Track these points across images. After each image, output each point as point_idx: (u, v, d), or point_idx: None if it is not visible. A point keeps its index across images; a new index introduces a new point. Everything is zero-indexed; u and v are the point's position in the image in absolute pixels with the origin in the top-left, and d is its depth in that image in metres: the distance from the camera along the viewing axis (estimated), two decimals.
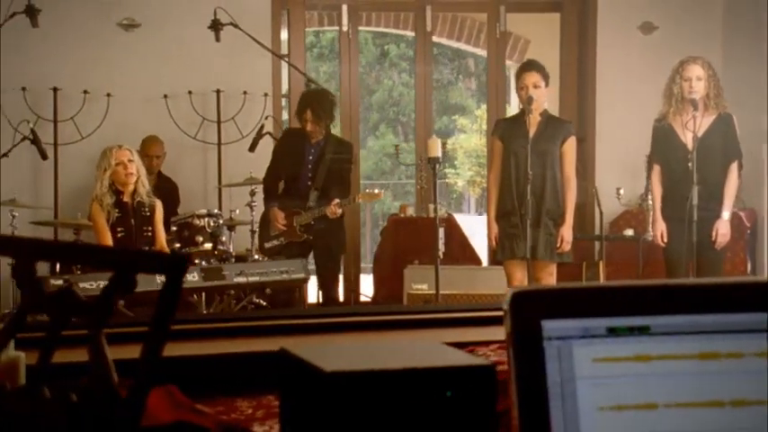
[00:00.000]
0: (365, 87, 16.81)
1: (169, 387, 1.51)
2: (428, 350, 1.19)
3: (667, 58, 6.02)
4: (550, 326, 1.21)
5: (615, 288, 1.40)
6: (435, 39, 10.57)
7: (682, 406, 1.25)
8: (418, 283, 6.43)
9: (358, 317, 1.85)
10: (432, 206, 7.98)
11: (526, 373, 1.19)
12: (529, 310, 1.19)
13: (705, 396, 1.26)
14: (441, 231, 6.14)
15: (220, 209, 7.18)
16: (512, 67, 9.44)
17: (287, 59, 7.50)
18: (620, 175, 7.77)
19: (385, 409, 1.02)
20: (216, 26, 6.61)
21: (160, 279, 3.41)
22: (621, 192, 7.51)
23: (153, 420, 1.39)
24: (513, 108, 8.90)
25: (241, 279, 5.12)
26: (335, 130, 7.27)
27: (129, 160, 5.49)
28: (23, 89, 6.95)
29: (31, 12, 6.27)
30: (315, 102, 6.03)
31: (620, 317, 1.24)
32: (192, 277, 4.90)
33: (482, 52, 10.56)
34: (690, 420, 1.25)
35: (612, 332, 1.25)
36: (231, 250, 6.56)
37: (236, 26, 6.64)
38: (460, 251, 7.31)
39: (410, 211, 7.87)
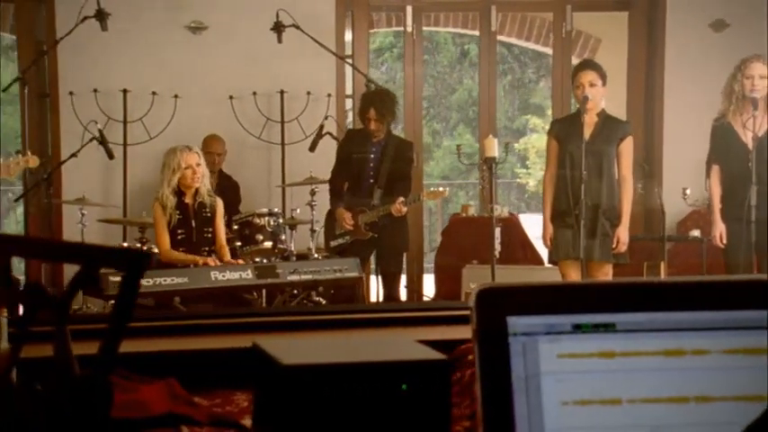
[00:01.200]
0: (447, 87, 16.82)
1: (170, 380, 1.57)
2: (393, 346, 1.23)
3: (738, 57, 5.91)
4: (516, 322, 1.25)
5: (581, 286, 1.42)
6: (505, 39, 10.56)
7: (646, 401, 1.28)
8: (475, 282, 6.44)
9: (324, 315, 1.89)
10: (494, 205, 8.00)
11: (491, 369, 1.23)
12: (495, 307, 1.23)
13: (670, 392, 1.28)
14: (497, 231, 6.13)
15: (283, 208, 7.30)
16: None
17: (348, 60, 7.57)
18: (687, 174, 7.66)
19: (341, 401, 1.06)
20: (278, 28, 6.72)
21: (244, 274, 3.52)
22: (688, 192, 7.41)
23: (147, 411, 1.46)
24: None
25: (294, 277, 5.20)
26: (398, 129, 7.32)
27: (198, 164, 5.60)
28: (95, 91, 7.15)
29: (101, 16, 6.45)
30: (378, 100, 6.10)
31: (585, 314, 1.27)
32: (246, 275, 5.00)
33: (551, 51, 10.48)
34: (654, 415, 1.27)
35: (578, 329, 1.28)
36: (292, 249, 6.67)
37: (297, 28, 6.73)
38: (521, 251, 7.30)
39: (472, 211, 7.88)
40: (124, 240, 6.58)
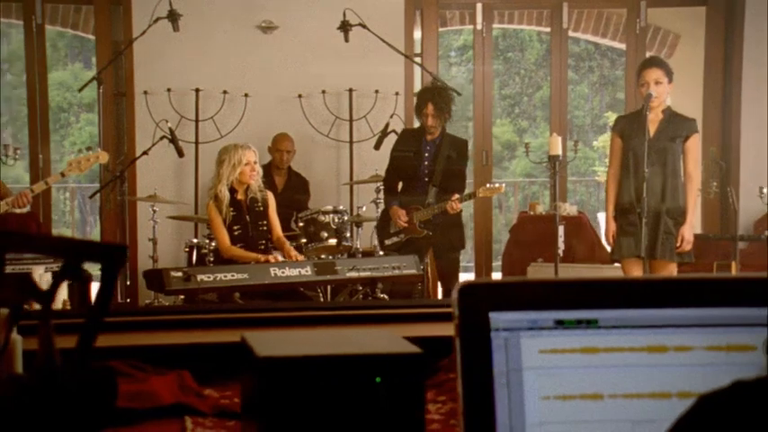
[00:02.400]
0: (533, 84, 16.74)
1: (181, 372, 1.62)
2: (372, 339, 1.26)
3: None
4: (498, 318, 1.27)
5: (564, 282, 1.44)
6: (580, 35, 10.44)
7: (628, 397, 1.29)
8: None
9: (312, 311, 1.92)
10: (563, 204, 7.96)
11: (473, 363, 1.25)
12: (477, 303, 1.25)
13: (651, 387, 1.29)
14: (561, 229, 6.09)
15: (351, 205, 7.37)
16: None
17: (414, 59, 7.59)
18: (765, 173, 7.50)
19: (315, 393, 1.09)
20: (345, 27, 6.78)
21: (304, 270, 3.59)
22: (765, 191, 7.26)
23: (153, 402, 1.51)
24: None
25: (353, 274, 5.25)
26: (466, 127, 7.32)
27: (255, 161, 5.69)
28: (168, 90, 7.32)
29: (173, 17, 6.59)
30: (436, 96, 6.11)
31: (568, 310, 1.29)
32: (306, 271, 5.07)
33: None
34: (635, 410, 1.28)
35: (560, 324, 1.29)
36: (359, 246, 6.73)
37: (364, 27, 6.78)
38: (590, 250, 7.24)
39: (540, 209, 7.84)
40: (195, 237, 6.71)
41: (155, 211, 6.47)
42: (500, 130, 16.52)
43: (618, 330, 1.33)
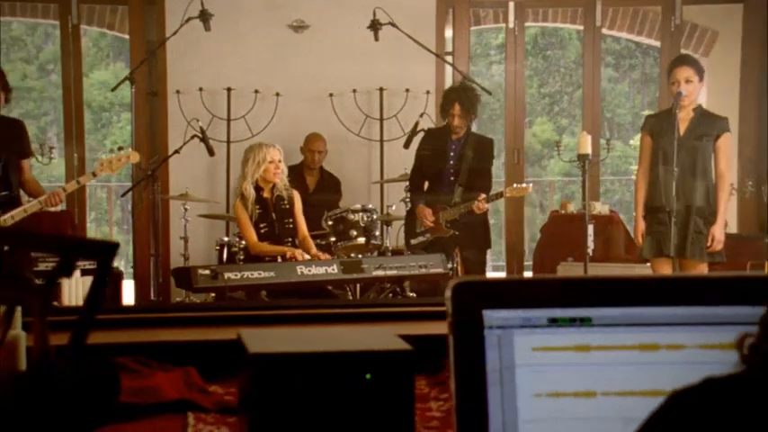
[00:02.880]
0: (574, 83, 16.64)
1: (188, 369, 1.65)
2: (364, 337, 1.27)
3: None
4: (491, 315, 1.28)
5: (557, 280, 1.45)
6: (615, 33, 10.36)
7: (620, 394, 1.30)
8: None
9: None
10: (594, 203, 7.92)
11: (466, 360, 1.26)
12: (470, 300, 1.26)
13: (644, 385, 1.29)
14: (591, 228, 6.06)
15: (381, 205, 7.38)
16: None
17: (444, 57, 7.59)
18: None
19: (306, 389, 1.11)
20: (375, 26, 6.79)
21: (330, 269, 3.64)
22: None
23: (157, 397, 1.54)
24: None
25: (379, 272, 5.26)
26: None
27: (279, 160, 5.73)
28: (200, 90, 7.38)
29: (204, 16, 6.64)
30: (463, 96, 6.11)
31: (561, 308, 1.29)
32: (332, 270, 5.09)
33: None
34: (627, 408, 1.29)
35: (554, 322, 1.30)
36: (388, 245, 6.74)
37: (394, 25, 6.80)
38: (622, 249, 7.20)
39: (571, 208, 7.81)
40: (226, 235, 6.76)
41: (186, 210, 6.53)
42: (540, 128, 16.46)
43: (611, 328, 1.33)
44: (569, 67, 16.86)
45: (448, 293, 1.29)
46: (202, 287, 4.72)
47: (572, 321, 1.33)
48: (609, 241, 7.31)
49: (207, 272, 4.73)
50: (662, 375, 1.28)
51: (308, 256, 5.62)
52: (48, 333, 1.07)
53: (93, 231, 12.31)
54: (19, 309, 1.35)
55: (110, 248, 1.03)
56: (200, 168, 7.32)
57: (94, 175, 5.56)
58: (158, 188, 6.74)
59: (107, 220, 14.15)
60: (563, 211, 7.83)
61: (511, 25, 8.69)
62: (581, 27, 9.30)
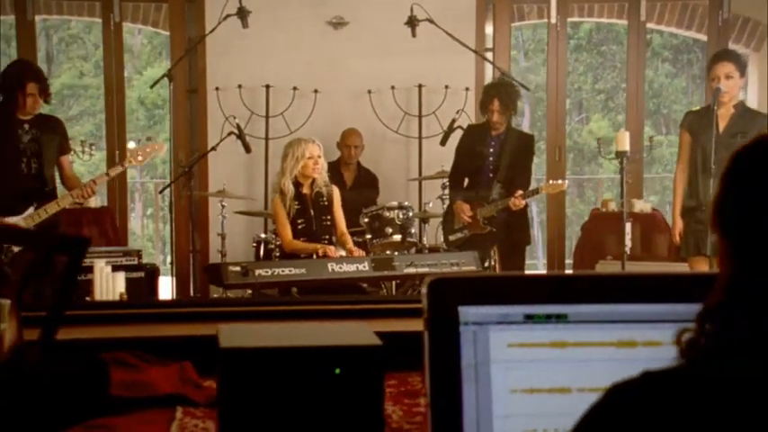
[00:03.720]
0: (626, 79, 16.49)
1: (184, 363, 1.66)
2: (337, 332, 1.27)
3: None
4: (467, 311, 1.28)
5: (534, 277, 1.43)
6: (664, 28, 10.23)
7: (596, 391, 1.28)
8: None
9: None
10: (637, 201, 7.83)
11: (441, 356, 1.26)
12: (446, 297, 1.26)
13: None
14: (628, 226, 6.00)
15: (420, 202, 7.38)
16: (749, 55, 8.91)
17: (482, 54, 7.56)
18: None
19: (276, 383, 1.11)
20: (412, 22, 6.78)
21: (361, 266, 3.65)
22: None
23: (150, 391, 1.56)
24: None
25: (411, 270, 5.25)
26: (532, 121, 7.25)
27: (319, 156, 5.73)
28: (239, 87, 7.43)
29: (242, 14, 6.68)
30: (502, 92, 6.08)
31: (537, 304, 1.29)
32: (363, 267, 5.09)
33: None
34: None
35: (530, 319, 1.29)
36: (425, 242, 6.73)
37: (431, 22, 6.78)
38: (663, 247, 7.12)
39: (612, 206, 7.73)
40: (264, 232, 6.80)
41: (223, 207, 6.57)
42: (596, 125, 16.28)
43: (587, 325, 1.33)
44: (625, 62, 16.65)
45: (424, 290, 1.29)
46: (233, 284, 4.75)
47: (548, 318, 1.33)
48: (650, 239, 7.23)
49: (237, 268, 4.75)
50: (639, 372, 1.27)
51: (342, 252, 5.63)
52: (21, 327, 1.09)
53: (134, 227, 12.46)
54: (6, 303, 1.37)
55: (81, 244, 1.04)
56: (239, 165, 7.37)
57: (123, 166, 5.61)
58: (195, 185, 6.80)
59: (148, 217, 14.35)
60: (604, 209, 7.76)
61: (553, 21, 8.63)
62: (625, 22, 9.20)
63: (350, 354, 1.14)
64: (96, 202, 7.44)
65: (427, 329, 1.31)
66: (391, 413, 1.56)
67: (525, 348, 1.31)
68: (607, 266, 6.61)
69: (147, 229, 13.96)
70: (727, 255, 1.09)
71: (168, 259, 6.47)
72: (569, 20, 9.35)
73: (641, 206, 7.72)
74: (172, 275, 6.32)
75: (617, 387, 1.03)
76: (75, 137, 9.56)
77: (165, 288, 6.73)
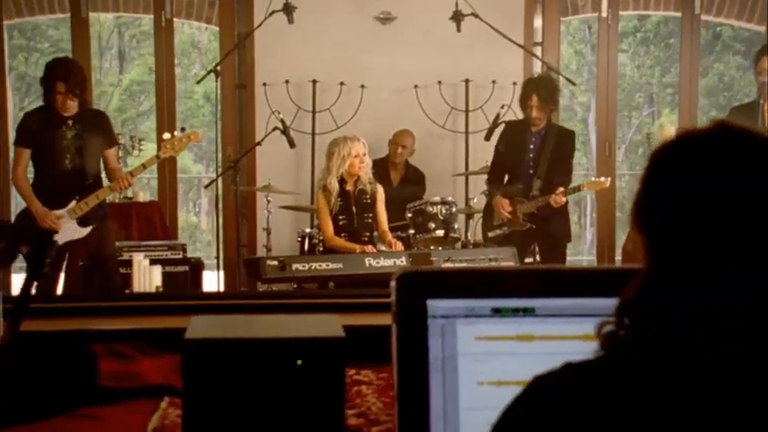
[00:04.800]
0: (700, 73, 16.28)
1: (176, 355, 1.69)
2: (302, 324, 1.28)
3: None
4: (435, 305, 1.29)
5: (501, 271, 1.44)
6: (723, 20, 10.07)
7: None
8: None
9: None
10: None
11: (409, 349, 1.27)
12: (415, 290, 1.27)
13: None
14: None
15: (466, 197, 7.36)
16: None
17: (529, 49, 7.51)
18: None
19: (238, 374, 1.13)
20: (457, 17, 6.77)
21: (399, 261, 3.69)
22: None
23: (138, 382, 1.59)
24: None
25: (448, 265, 5.24)
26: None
27: (364, 154, 5.75)
28: (286, 82, 7.48)
29: (288, 9, 6.74)
30: (541, 87, 6.02)
31: (505, 298, 1.29)
32: (401, 262, 5.10)
33: None
34: None
35: (497, 312, 1.30)
36: (469, 238, 6.72)
37: (476, 16, 6.77)
38: None
39: None
40: (310, 227, 6.84)
41: (268, 201, 6.63)
42: (667, 119, 16.07)
43: (554, 319, 1.33)
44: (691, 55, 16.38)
45: (392, 283, 1.30)
46: (270, 278, 4.80)
47: (515, 311, 1.33)
48: None
49: (275, 263, 4.80)
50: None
51: (382, 247, 5.65)
52: None
53: (183, 221, 12.63)
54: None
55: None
56: (286, 160, 7.41)
57: (158, 157, 5.70)
58: (240, 180, 6.88)
59: (197, 212, 14.56)
60: None
61: (604, 14, 8.54)
62: (678, 14, 9.07)
63: (311, 346, 1.16)
64: (146, 196, 7.57)
65: (395, 322, 1.32)
66: (371, 405, 1.58)
67: (493, 341, 1.32)
68: None
69: (191, 223, 14.20)
70: (644, 250, 1.14)
71: (207, 253, 6.55)
72: (624, 13, 9.27)
73: None
74: (218, 269, 6.39)
75: (539, 378, 1.06)
76: (148, 132, 9.68)
77: (211, 282, 6.81)
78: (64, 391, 1.40)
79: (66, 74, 5.32)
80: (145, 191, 8.07)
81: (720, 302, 1.04)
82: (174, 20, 8.20)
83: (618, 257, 8.24)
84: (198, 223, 14.95)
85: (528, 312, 1.34)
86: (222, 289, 6.59)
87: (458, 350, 1.33)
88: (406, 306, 1.32)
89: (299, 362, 1.15)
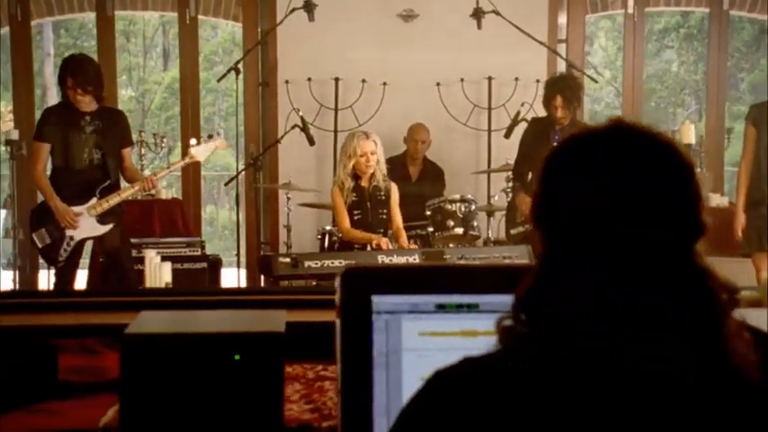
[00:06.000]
0: (747, 68, 16.07)
1: None
2: (252, 320, 1.29)
3: None
4: (380, 301, 1.29)
5: (445, 267, 1.44)
6: (755, 16, 9.95)
7: None
8: None
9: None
10: (713, 195, 7.64)
11: (353, 344, 1.28)
12: (360, 286, 1.28)
13: None
14: None
15: (488, 195, 7.33)
16: None
17: (551, 47, 7.46)
18: None
19: (176, 369, 1.14)
20: (477, 14, 6.75)
21: (411, 258, 3.68)
22: None
23: (102, 377, 1.60)
24: None
25: (461, 263, 5.21)
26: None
27: (372, 152, 5.71)
28: (309, 79, 7.50)
29: (309, 7, 6.75)
30: (565, 87, 5.99)
31: (449, 294, 1.29)
32: (414, 259, 5.08)
33: None
34: None
35: (441, 308, 1.30)
36: (490, 236, 6.69)
37: (497, 14, 6.74)
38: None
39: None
40: (332, 224, 6.84)
41: (288, 199, 6.65)
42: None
43: (498, 315, 1.32)
44: (742, 51, 16.15)
45: (337, 280, 1.31)
46: (282, 275, 4.81)
47: (459, 307, 1.33)
48: (725, 235, 7.04)
49: (287, 260, 4.81)
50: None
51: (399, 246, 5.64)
52: None
53: (206, 219, 12.71)
54: None
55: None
56: (308, 158, 7.42)
57: (185, 162, 5.77)
58: (261, 177, 6.91)
59: (220, 209, 14.64)
60: None
61: (630, 11, 8.48)
62: (707, 10, 8.97)
63: (249, 340, 1.17)
64: (169, 193, 7.63)
65: (340, 317, 1.32)
66: (327, 400, 1.58)
67: (437, 337, 1.32)
68: None
69: (212, 220, 14.30)
70: (540, 247, 1.19)
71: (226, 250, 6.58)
72: (649, 10, 9.19)
73: (718, 201, 7.54)
74: (238, 267, 6.43)
75: (439, 372, 1.08)
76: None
77: (230, 278, 6.85)
78: (22, 387, 1.42)
79: (76, 70, 5.38)
80: (170, 188, 8.13)
81: (606, 297, 1.07)
82: (200, 17, 8.26)
83: None
84: (227, 220, 15.07)
85: (472, 308, 1.34)
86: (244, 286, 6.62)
87: (402, 345, 1.33)
88: (350, 302, 1.33)
89: (237, 356, 1.16)
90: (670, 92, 16.37)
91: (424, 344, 1.31)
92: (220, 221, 15.13)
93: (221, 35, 15.50)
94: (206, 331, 1.19)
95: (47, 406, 1.53)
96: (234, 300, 2.11)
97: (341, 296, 1.30)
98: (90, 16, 8.77)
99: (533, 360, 1.03)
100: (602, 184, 1.11)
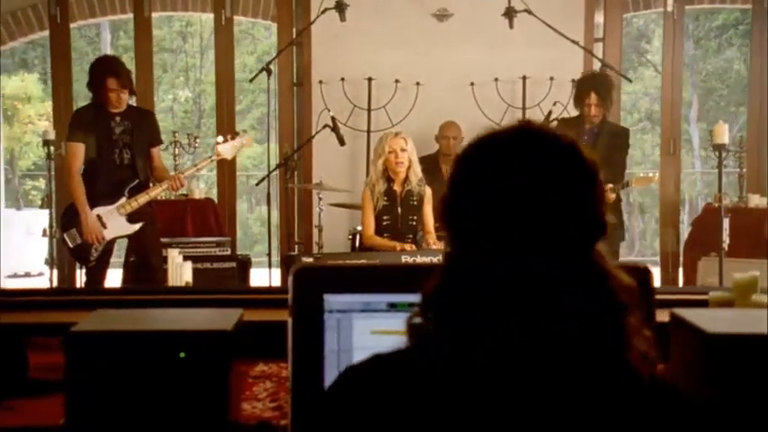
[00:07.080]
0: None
1: None
2: (203, 318, 1.28)
3: None
4: (332, 300, 1.28)
5: (396, 267, 1.43)
6: None
7: None
8: (711, 276, 6.10)
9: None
10: (752, 195, 7.52)
11: (304, 342, 1.27)
12: (312, 285, 1.27)
13: None
14: (726, 222, 5.77)
15: None
16: None
17: (586, 47, 7.37)
18: None
19: (120, 367, 1.14)
20: (509, 13, 6.71)
21: (435, 259, 3.71)
22: None
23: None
24: None
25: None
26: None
27: (402, 149, 5.65)
28: (342, 80, 7.50)
29: (340, 7, 6.77)
30: (599, 85, 5.94)
31: (401, 293, 1.28)
32: (437, 260, 5.03)
33: None
34: None
35: (393, 307, 1.29)
36: None
37: (530, 12, 6.69)
38: None
39: (727, 201, 7.43)
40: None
41: (320, 199, 6.64)
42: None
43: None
44: None
45: (290, 278, 1.30)
46: None
47: (411, 306, 1.33)
48: (762, 236, 6.92)
49: (310, 260, 4.81)
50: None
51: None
52: None
53: (241, 218, 12.77)
54: None
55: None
56: (342, 158, 7.42)
57: (211, 160, 5.80)
58: (291, 177, 6.92)
59: (252, 209, 14.69)
60: (716, 204, 7.47)
61: (669, 9, 8.36)
62: (748, 7, 8.83)
63: (194, 339, 1.16)
64: (202, 193, 7.68)
65: (292, 316, 1.32)
66: (285, 401, 1.58)
67: (389, 336, 1.31)
68: (709, 263, 6.36)
69: (244, 220, 14.38)
70: (448, 247, 1.26)
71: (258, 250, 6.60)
72: (691, 8, 9.08)
73: (757, 201, 7.42)
74: (269, 266, 6.44)
75: (350, 368, 1.12)
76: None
77: (264, 279, 6.86)
78: None
79: (117, 70, 5.45)
80: (205, 187, 8.19)
81: (507, 298, 1.09)
82: (235, 17, 8.31)
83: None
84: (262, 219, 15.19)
85: None
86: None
87: (353, 344, 1.32)
88: (302, 300, 1.32)
89: (182, 354, 1.15)
90: (730, 90, 16.12)
91: (376, 342, 1.30)
92: (255, 220, 15.24)
93: (274, 37, 15.58)
94: (151, 329, 1.19)
95: (12, 403, 1.54)
96: (211, 299, 2.11)
97: (293, 295, 1.30)
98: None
99: (437, 358, 1.05)
100: (504, 187, 1.15)
